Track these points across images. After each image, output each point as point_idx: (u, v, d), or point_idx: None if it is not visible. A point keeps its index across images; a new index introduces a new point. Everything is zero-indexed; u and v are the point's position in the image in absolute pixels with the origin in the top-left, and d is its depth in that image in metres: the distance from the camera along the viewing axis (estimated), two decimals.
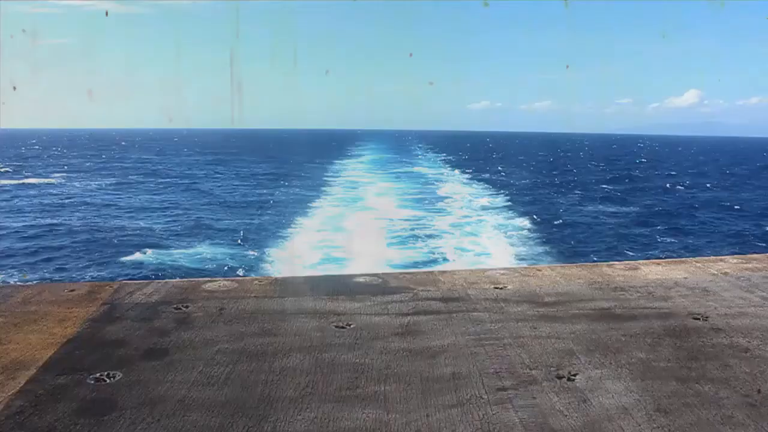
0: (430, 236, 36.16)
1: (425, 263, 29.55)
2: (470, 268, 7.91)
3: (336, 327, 4.86)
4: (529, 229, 39.45)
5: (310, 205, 47.90)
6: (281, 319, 5.03)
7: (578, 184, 74.69)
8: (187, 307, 5.30)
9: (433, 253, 31.77)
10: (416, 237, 36.03)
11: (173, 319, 5.02)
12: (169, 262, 30.14)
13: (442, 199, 53.71)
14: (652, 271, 6.48)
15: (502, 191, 61.04)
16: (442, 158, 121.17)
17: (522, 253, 31.91)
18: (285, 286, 5.94)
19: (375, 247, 32.65)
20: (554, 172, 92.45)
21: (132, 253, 31.79)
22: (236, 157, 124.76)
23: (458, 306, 5.37)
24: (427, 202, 51.17)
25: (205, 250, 33.35)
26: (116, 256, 31.26)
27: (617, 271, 6.48)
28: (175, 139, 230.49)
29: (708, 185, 75.64)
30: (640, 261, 7.22)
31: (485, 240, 35.29)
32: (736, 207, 53.99)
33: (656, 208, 53.53)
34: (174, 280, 6.59)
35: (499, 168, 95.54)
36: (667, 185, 74.93)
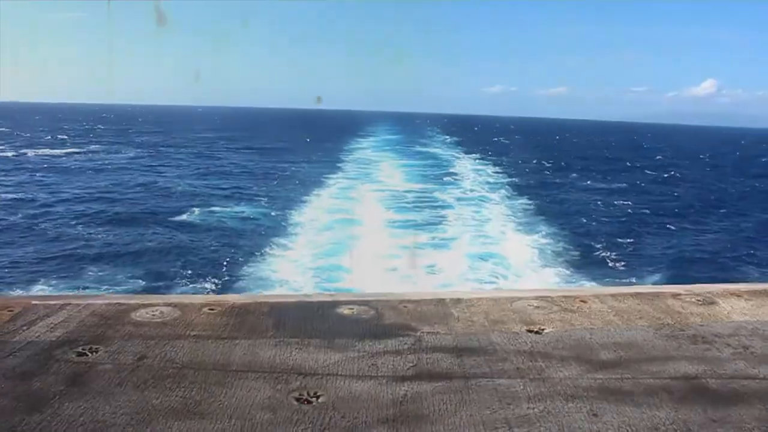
0: (432, 206, 39.41)
1: (426, 225, 33.03)
2: (492, 291, 5.88)
3: (297, 400, 3.33)
4: (530, 206, 42.52)
5: (325, 177, 51.50)
6: (220, 382, 3.49)
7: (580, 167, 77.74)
8: (96, 351, 3.81)
9: (436, 219, 35.15)
10: (420, 205, 39.55)
11: (65, 376, 3.51)
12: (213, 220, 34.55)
13: (449, 175, 57.14)
14: (736, 308, 4.80)
15: (503, 170, 64.63)
16: (452, 140, 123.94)
17: (520, 222, 35.09)
18: (242, 318, 4.25)
19: (380, 212, 36.30)
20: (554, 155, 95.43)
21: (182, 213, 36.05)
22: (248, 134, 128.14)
23: (478, 364, 3.74)
24: (434, 177, 54.43)
25: (242, 209, 37.80)
26: (169, 215, 35.31)
27: (688, 305, 4.78)
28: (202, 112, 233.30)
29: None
30: (712, 287, 5.53)
31: (487, 213, 38.43)
32: None
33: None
34: (100, 300, 4.82)
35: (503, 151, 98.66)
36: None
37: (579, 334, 4.13)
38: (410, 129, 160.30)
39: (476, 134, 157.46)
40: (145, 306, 4.46)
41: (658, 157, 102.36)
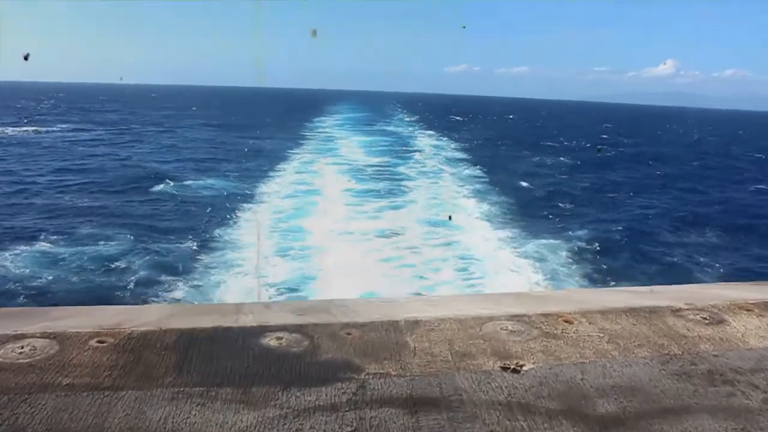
0: (393, 178, 42.24)
1: (385, 194, 35.91)
2: (459, 304, 4.13)
3: None
4: (481, 176, 45.60)
5: (288, 152, 54.13)
6: None
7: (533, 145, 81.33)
8: None
9: (394, 188, 38.04)
10: (379, 177, 42.47)
11: None
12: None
13: (410, 151, 60.10)
14: (750, 328, 3.67)
15: (461, 145, 67.96)
16: (413, 119, 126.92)
17: (472, 190, 38.06)
18: (137, 355, 2.88)
19: (341, 182, 39.14)
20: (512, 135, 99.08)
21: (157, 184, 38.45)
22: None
23: (439, 425, 2.57)
24: (395, 153, 57.27)
25: (212, 182, 40.11)
26: (144, 184, 37.84)
27: (693, 326, 3.62)
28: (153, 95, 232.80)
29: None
30: (710, 291, 4.71)
31: (447, 183, 41.34)
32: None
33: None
34: None
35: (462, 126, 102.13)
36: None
37: (568, 372, 2.94)
38: (372, 108, 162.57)
39: (436, 113, 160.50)
40: (14, 339, 2.97)
41: (604, 136, 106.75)
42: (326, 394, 2.61)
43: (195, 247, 23.88)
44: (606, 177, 50.97)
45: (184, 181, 39.94)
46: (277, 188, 37.24)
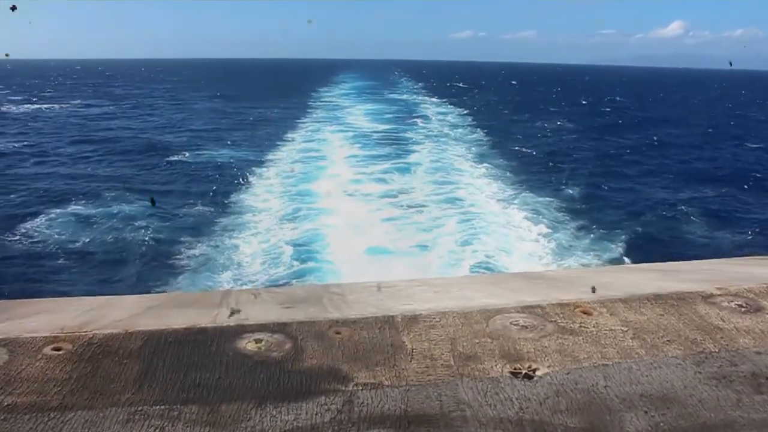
0: (397, 143, 43.79)
1: (390, 157, 37.50)
2: (462, 304, 3.12)
3: None
4: (481, 140, 47.09)
5: (296, 121, 55.77)
6: None
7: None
8: None
9: (399, 151, 39.67)
10: (383, 142, 44.12)
11: None
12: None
13: (413, 117, 61.61)
14: None
15: (463, 110, 69.31)
16: (418, 86, 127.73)
17: (477, 153, 39.57)
18: (96, 364, 2.54)
19: (347, 148, 40.98)
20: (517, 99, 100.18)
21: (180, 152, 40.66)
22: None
23: None
24: (399, 120, 58.76)
25: (226, 152, 41.63)
26: (162, 157, 39.55)
27: (728, 316, 3.15)
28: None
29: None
30: (738, 263, 4.68)
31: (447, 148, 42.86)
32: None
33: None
34: None
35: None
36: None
37: (588, 378, 2.51)
38: (377, 77, 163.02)
39: (441, 80, 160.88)
40: None
41: (606, 99, 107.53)
42: (307, 412, 2.25)
43: (213, 211, 25.57)
44: (607, 139, 52.36)
45: (197, 151, 41.74)
46: (286, 155, 38.89)
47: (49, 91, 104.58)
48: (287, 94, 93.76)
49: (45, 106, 74.87)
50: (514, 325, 2.97)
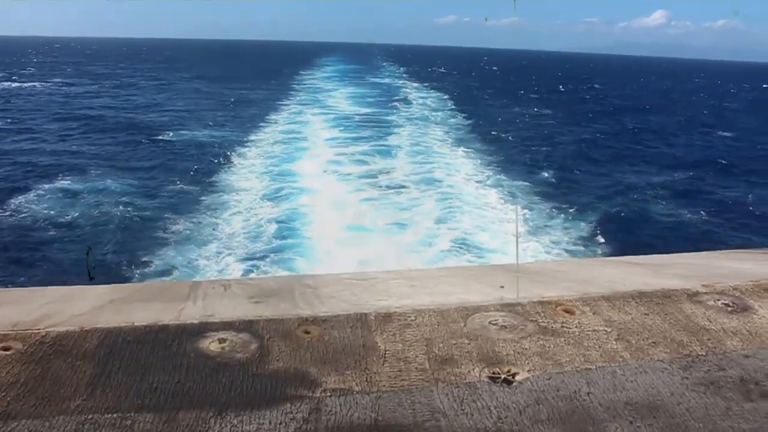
0: (378, 126, 44.47)
1: (369, 139, 38.21)
2: (439, 300, 3.09)
3: None
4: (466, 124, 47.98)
5: (278, 103, 56.30)
6: None
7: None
8: None
9: (379, 134, 40.39)
10: (365, 125, 44.79)
11: None
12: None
13: (394, 101, 62.40)
14: None
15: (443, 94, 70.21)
16: (401, 71, 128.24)
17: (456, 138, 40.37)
18: (46, 366, 2.39)
19: (329, 131, 41.59)
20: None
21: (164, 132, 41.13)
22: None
23: None
24: (380, 104, 59.51)
25: (208, 132, 42.19)
26: (145, 135, 39.96)
27: (715, 316, 3.08)
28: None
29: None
30: (721, 256, 4.69)
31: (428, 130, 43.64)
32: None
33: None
34: None
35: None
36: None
37: (571, 383, 2.40)
38: (360, 61, 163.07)
39: (423, 65, 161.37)
40: None
41: (588, 86, 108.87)
42: (270, 421, 2.12)
43: (196, 189, 26.11)
44: (583, 126, 53.44)
45: (180, 130, 42.11)
46: (268, 136, 39.38)
47: (30, 69, 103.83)
48: (269, 76, 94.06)
49: (26, 84, 74.49)
50: (493, 324, 2.86)
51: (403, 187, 27.10)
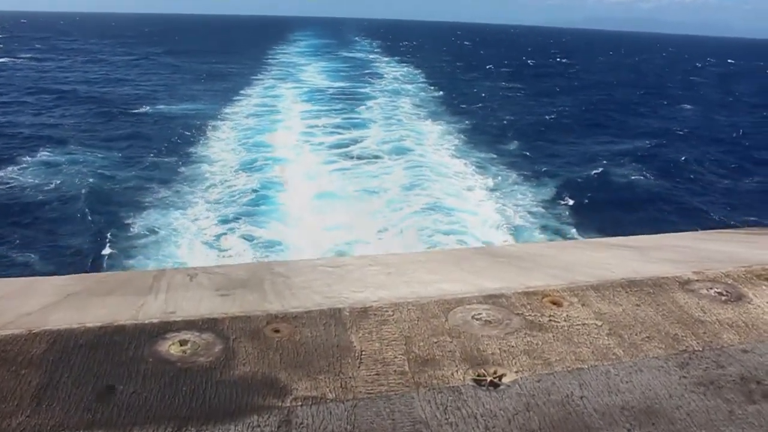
0: (350, 99, 45.35)
1: (342, 112, 39.17)
2: (418, 291, 2.94)
3: None
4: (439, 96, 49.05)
5: (251, 77, 56.84)
6: None
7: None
8: None
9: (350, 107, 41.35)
10: (339, 98, 45.68)
11: None
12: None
13: (365, 75, 63.20)
14: None
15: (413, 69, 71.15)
16: (373, 46, 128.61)
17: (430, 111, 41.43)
18: None
19: (302, 105, 42.47)
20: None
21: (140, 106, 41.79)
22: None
23: None
24: (352, 78, 60.33)
25: (185, 106, 42.91)
26: (126, 108, 40.82)
27: (709, 306, 2.98)
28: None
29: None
30: (705, 237, 4.63)
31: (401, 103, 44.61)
32: None
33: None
34: None
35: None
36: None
37: (562, 386, 2.26)
38: (333, 35, 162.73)
39: (396, 39, 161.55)
40: None
41: (558, 60, 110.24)
42: None
43: (173, 161, 26.92)
44: (548, 99, 54.78)
45: (159, 105, 42.67)
46: (242, 109, 40.17)
47: None
48: (242, 50, 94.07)
49: (2, 59, 73.83)
50: (477, 319, 2.71)
51: (376, 156, 28.16)
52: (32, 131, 32.54)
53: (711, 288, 3.12)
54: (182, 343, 2.41)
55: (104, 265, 16.05)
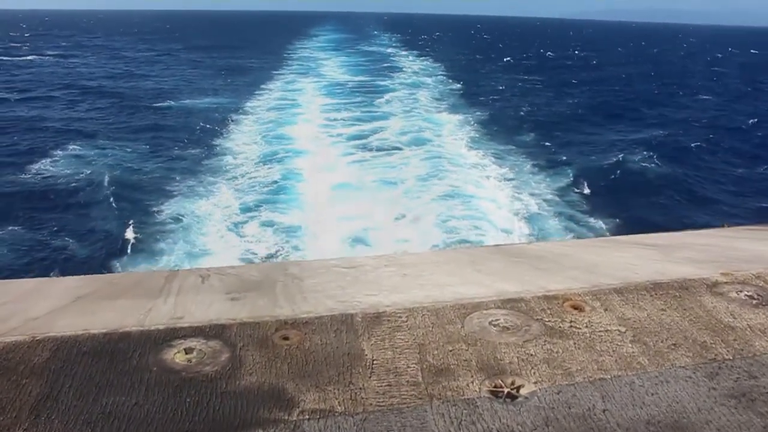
0: (370, 92, 45.98)
1: (362, 105, 39.80)
2: (433, 295, 2.84)
3: None
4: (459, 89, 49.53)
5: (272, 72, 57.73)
6: None
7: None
8: None
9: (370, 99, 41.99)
10: (357, 91, 46.44)
11: None
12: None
13: (385, 68, 63.79)
14: None
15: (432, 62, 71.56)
16: (394, 39, 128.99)
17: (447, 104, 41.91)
18: None
19: (322, 98, 43.20)
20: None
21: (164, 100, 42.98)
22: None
23: None
24: (373, 71, 61.00)
25: (212, 100, 43.84)
26: (150, 102, 41.96)
27: (739, 310, 2.80)
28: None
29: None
30: (733, 234, 4.45)
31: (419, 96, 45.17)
32: None
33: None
34: None
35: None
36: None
37: (583, 398, 2.14)
38: (351, 29, 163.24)
39: (416, 33, 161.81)
40: None
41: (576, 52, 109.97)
42: None
43: (198, 152, 27.75)
44: (566, 91, 54.96)
45: (182, 100, 43.66)
46: (263, 103, 40.95)
47: (25, 43, 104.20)
48: (263, 46, 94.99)
49: (30, 57, 75.19)
50: (494, 325, 2.61)
51: (395, 149, 28.67)
52: (62, 125, 33.60)
53: (741, 291, 2.98)
54: (188, 351, 2.37)
55: (128, 251, 16.81)
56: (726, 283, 3.03)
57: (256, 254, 16.56)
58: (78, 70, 60.75)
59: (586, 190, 23.56)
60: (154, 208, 19.84)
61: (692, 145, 32.67)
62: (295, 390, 2.18)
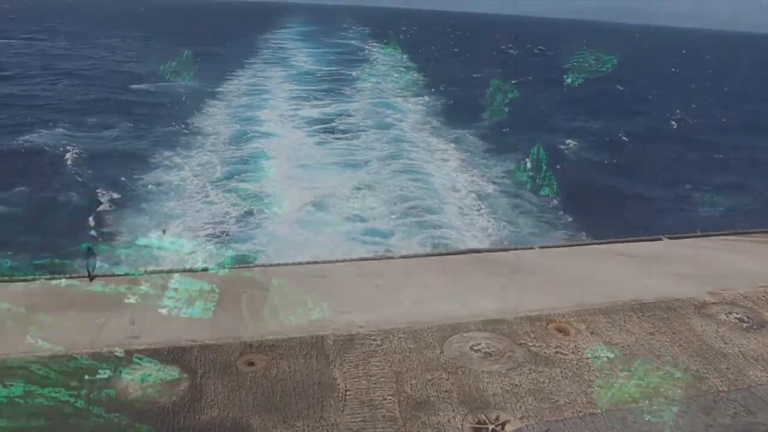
0: (338, 81, 47.65)
1: (329, 92, 41.56)
2: (411, 313, 2.97)
3: None
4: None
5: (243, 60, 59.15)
6: None
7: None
8: None
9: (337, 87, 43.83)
10: (325, 80, 48.32)
11: None
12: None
13: (355, 60, 65.58)
14: None
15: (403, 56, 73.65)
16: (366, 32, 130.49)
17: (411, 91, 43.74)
18: None
19: (288, 86, 45.08)
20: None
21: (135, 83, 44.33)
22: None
23: None
24: (341, 62, 62.72)
25: (182, 83, 44.46)
26: (122, 83, 43.74)
27: (729, 333, 2.76)
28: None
29: None
30: (718, 244, 4.05)
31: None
32: None
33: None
34: None
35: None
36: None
37: None
38: (321, 21, 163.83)
39: (386, 26, 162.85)
40: None
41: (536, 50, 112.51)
42: None
43: (177, 130, 29.40)
44: (530, 88, 56.91)
45: (158, 82, 45.07)
46: (235, 88, 42.62)
47: None
48: (233, 36, 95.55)
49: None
50: (475, 350, 2.42)
51: (360, 131, 30.46)
52: (44, 103, 35.03)
53: (730, 313, 2.91)
54: (143, 378, 2.10)
55: (104, 221, 17.76)
56: (714, 303, 3.02)
57: (228, 214, 18.16)
58: (54, 54, 61.34)
59: (529, 172, 25.03)
60: (135, 176, 21.42)
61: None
62: (261, 427, 1.98)
